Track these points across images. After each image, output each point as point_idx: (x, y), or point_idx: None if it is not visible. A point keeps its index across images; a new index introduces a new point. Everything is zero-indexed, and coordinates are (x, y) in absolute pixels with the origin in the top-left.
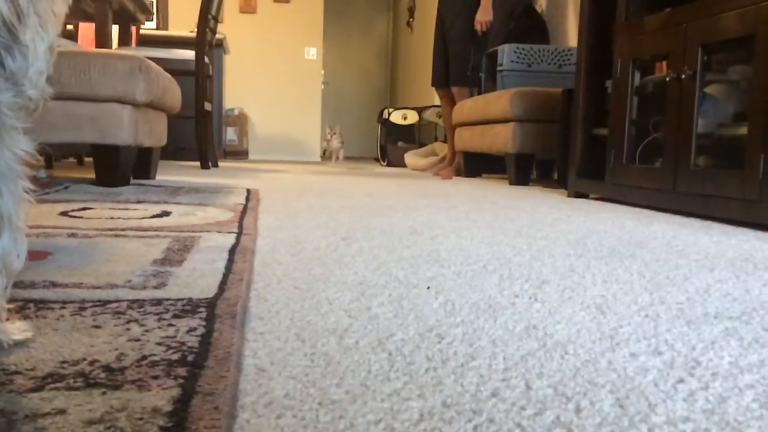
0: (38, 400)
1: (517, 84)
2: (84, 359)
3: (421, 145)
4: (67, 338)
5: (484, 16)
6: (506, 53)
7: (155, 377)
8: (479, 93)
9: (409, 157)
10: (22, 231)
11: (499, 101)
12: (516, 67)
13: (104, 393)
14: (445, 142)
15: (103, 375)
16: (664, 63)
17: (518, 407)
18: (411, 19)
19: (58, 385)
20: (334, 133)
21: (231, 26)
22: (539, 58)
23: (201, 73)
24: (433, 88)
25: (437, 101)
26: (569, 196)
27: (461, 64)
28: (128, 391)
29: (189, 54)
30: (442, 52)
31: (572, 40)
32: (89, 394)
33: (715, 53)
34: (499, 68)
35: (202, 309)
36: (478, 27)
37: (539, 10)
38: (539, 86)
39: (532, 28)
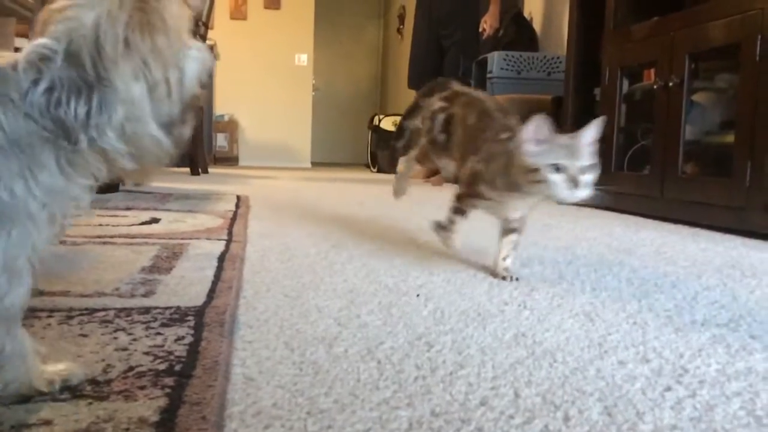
0: (23, 411)
1: (507, 91)
2: None
3: None
4: (54, 347)
5: (493, 21)
6: (496, 61)
7: (142, 387)
8: None
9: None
10: (19, 272)
11: None
12: (505, 75)
13: (90, 404)
14: None
15: (89, 386)
16: (652, 71)
17: (507, 416)
18: (401, 26)
19: (44, 397)
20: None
21: (221, 33)
22: (528, 66)
23: None
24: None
25: None
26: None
27: (456, 71)
28: (115, 402)
29: None
30: (434, 56)
31: (561, 48)
32: (75, 405)
33: (702, 61)
34: (488, 75)
35: (190, 317)
36: (489, 30)
37: (528, 18)
38: (529, 93)
39: (520, 36)
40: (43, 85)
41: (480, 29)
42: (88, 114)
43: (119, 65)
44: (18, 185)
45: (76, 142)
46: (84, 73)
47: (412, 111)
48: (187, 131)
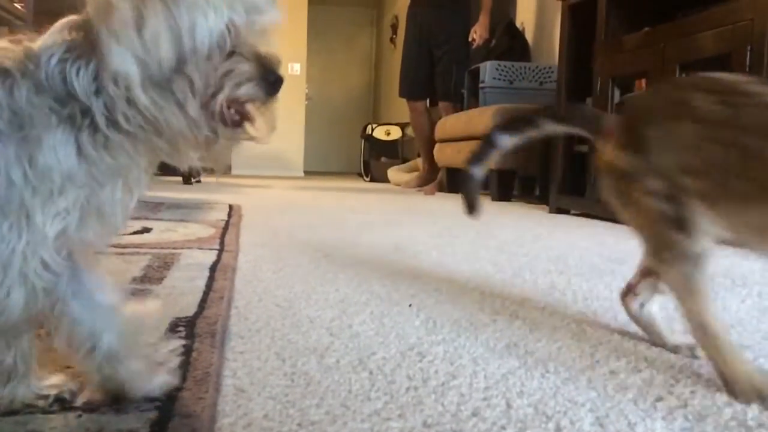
0: (13, 423)
1: (499, 101)
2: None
3: (404, 160)
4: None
5: (483, 31)
6: (488, 70)
7: (132, 400)
8: (461, 109)
9: (392, 173)
10: (15, 278)
11: (481, 117)
12: (498, 84)
13: (80, 416)
14: None
15: (79, 398)
16: (643, 81)
17: (499, 427)
18: (394, 36)
19: (34, 408)
20: None
21: None
22: (521, 76)
23: None
24: (404, 100)
25: None
26: (551, 212)
27: (449, 81)
28: (105, 414)
29: None
30: (425, 65)
31: (553, 58)
32: (65, 417)
33: (693, 72)
34: (481, 85)
35: (181, 328)
36: (479, 40)
37: (520, 28)
38: (521, 103)
39: (512, 46)
40: (57, 56)
41: (470, 39)
42: (89, 82)
43: (103, 24)
44: (16, 172)
45: (91, 116)
46: (87, 41)
47: (522, 124)
48: (218, 99)
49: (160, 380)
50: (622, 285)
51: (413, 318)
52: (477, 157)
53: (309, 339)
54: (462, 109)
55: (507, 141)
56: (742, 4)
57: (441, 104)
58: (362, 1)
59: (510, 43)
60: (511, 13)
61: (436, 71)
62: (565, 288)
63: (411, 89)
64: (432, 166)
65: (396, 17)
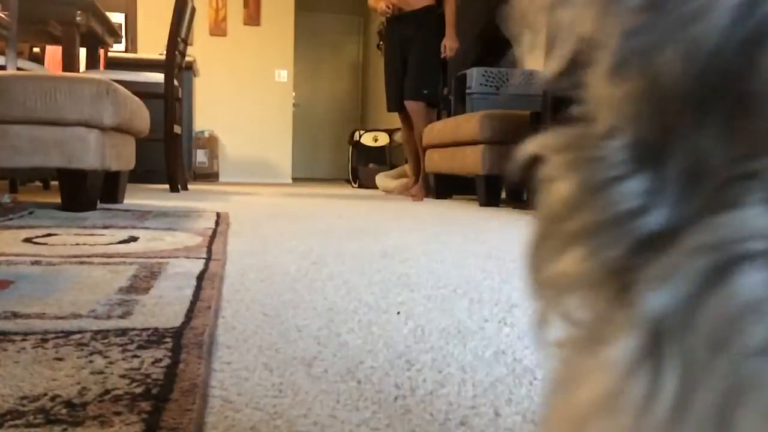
0: None
1: (486, 106)
2: (45, 394)
3: (392, 166)
4: (28, 371)
5: (452, 43)
6: (475, 77)
7: (118, 413)
8: (448, 115)
9: (380, 179)
10: None
11: (468, 123)
12: (484, 90)
13: (65, 430)
14: None
15: (64, 411)
16: None
17: None
18: (381, 42)
19: (18, 422)
20: None
21: (201, 49)
22: (507, 81)
23: (170, 96)
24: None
25: None
26: None
27: (416, 80)
28: (90, 428)
29: (158, 77)
30: (402, 76)
31: (540, 64)
32: (50, 429)
33: None
34: (468, 91)
35: (168, 339)
36: (449, 53)
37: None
38: (508, 109)
39: (488, 53)
40: None
41: (442, 55)
42: None
43: None
44: None
45: None
46: None
47: None
48: None
49: None
50: None
51: (401, 326)
52: None
53: (297, 348)
54: (448, 115)
55: None
56: None
57: (408, 104)
58: (349, 8)
59: (484, 51)
60: (498, 18)
61: (404, 80)
62: None
63: (397, 102)
64: (419, 174)
65: (383, 23)
